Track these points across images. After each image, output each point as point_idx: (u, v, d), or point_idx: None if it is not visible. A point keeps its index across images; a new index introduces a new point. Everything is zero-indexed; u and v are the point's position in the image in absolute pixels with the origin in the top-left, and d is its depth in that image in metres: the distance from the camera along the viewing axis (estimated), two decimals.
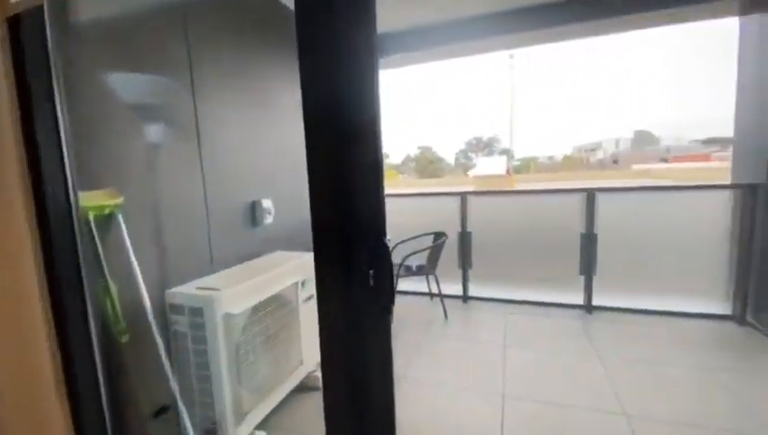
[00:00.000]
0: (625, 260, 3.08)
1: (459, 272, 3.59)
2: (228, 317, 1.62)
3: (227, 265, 2.07)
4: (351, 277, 0.74)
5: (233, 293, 1.68)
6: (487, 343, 2.66)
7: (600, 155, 52.66)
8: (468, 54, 3.62)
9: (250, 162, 2.30)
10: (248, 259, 2.21)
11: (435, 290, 3.32)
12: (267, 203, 2.33)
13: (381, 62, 3.65)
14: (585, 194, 3.12)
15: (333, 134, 0.72)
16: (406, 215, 3.87)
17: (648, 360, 2.33)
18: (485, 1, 2.74)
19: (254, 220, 2.29)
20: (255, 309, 1.75)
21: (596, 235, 3.09)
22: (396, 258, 3.38)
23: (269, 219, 2.35)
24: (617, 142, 53.23)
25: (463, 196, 3.55)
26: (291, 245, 2.53)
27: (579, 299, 3.25)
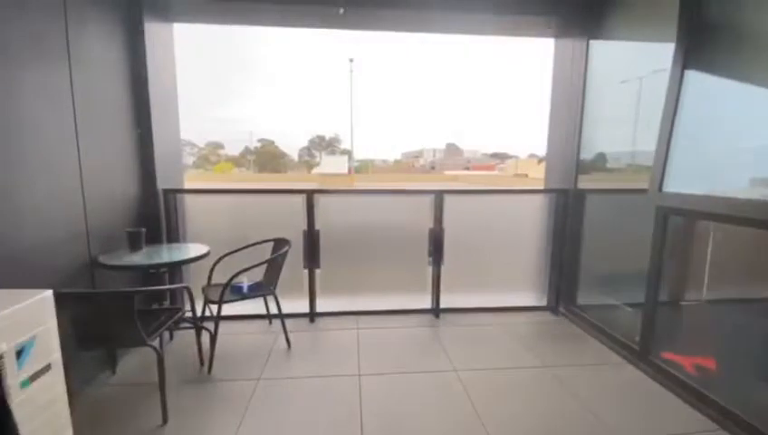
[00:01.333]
0: (465, 260, 3.16)
1: (304, 283, 3.02)
2: None
3: None
4: None
5: None
6: (340, 377, 2.18)
7: (421, 161, 61.50)
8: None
9: None
10: None
11: (275, 310, 2.63)
12: None
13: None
14: (434, 195, 3.04)
15: None
16: (236, 217, 3.04)
17: (496, 366, 2.33)
18: None
19: None
20: None
21: (444, 229, 3.04)
22: (221, 277, 2.53)
23: None
24: (434, 152, 63.37)
25: (309, 194, 2.97)
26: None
27: (427, 303, 3.17)
